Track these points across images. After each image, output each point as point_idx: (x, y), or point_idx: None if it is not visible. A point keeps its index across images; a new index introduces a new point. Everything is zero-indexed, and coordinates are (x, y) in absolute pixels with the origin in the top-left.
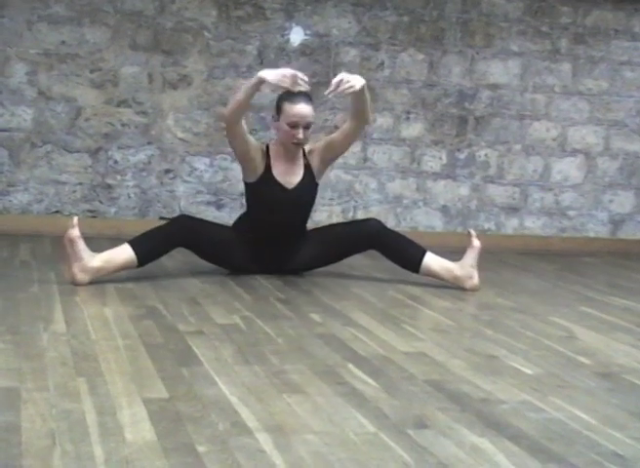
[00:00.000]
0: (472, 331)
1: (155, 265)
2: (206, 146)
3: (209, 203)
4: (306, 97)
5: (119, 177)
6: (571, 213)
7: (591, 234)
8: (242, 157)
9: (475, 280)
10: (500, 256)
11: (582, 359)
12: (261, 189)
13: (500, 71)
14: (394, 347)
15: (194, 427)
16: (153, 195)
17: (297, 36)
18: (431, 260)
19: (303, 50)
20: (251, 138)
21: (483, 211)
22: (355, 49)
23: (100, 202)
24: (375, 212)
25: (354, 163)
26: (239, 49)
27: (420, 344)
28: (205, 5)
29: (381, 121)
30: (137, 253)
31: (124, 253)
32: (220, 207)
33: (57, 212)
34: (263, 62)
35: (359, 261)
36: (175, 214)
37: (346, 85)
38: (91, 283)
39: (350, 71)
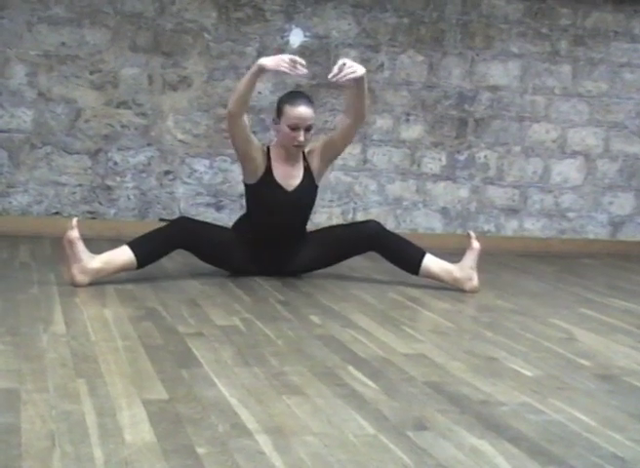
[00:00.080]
0: (472, 333)
1: (155, 267)
2: (206, 148)
3: (208, 204)
4: (307, 99)
5: (119, 179)
6: (570, 214)
7: (591, 236)
8: (243, 156)
9: (475, 282)
10: (500, 258)
11: (582, 361)
12: (262, 191)
13: (499, 73)
14: (394, 349)
15: (194, 429)
16: (153, 197)
17: (296, 38)
18: (431, 262)
19: (303, 51)
20: (253, 137)
21: (483, 212)
22: (355, 50)
23: (100, 203)
24: (374, 213)
25: (354, 164)
26: (239, 50)
27: (420, 346)
28: (205, 6)
29: (381, 122)
30: (136, 255)
31: (123, 254)
32: (219, 208)
33: (56, 213)
34: None
35: (359, 263)
36: (174, 216)
37: (349, 70)
38: (90, 284)
39: None
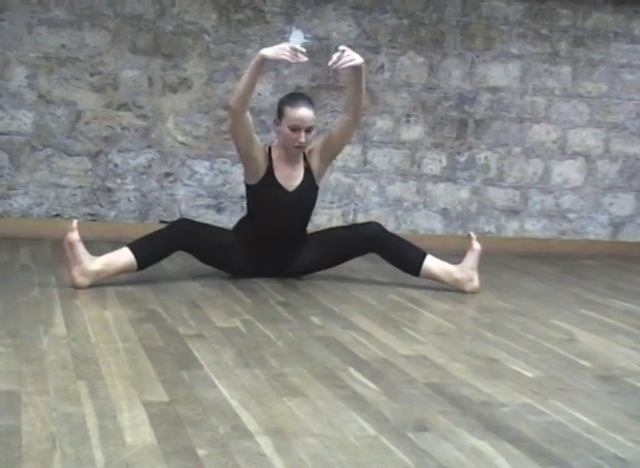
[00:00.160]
0: (473, 334)
1: (155, 269)
2: (206, 150)
3: (209, 206)
4: (308, 100)
5: (119, 181)
6: (571, 215)
7: (591, 237)
8: (245, 156)
9: (475, 283)
10: (501, 259)
11: (583, 362)
12: (263, 192)
13: (499, 74)
14: (394, 350)
15: (194, 430)
16: (153, 198)
17: (297, 39)
18: (431, 263)
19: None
20: (256, 137)
21: (483, 213)
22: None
23: (101, 205)
24: (375, 215)
25: (354, 166)
26: (239, 52)
27: (421, 347)
28: (205, 8)
29: (382, 124)
30: (136, 257)
31: (124, 256)
32: (220, 210)
33: (57, 215)
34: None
35: (359, 264)
36: (175, 218)
37: (347, 58)
38: (91, 286)
39: None
